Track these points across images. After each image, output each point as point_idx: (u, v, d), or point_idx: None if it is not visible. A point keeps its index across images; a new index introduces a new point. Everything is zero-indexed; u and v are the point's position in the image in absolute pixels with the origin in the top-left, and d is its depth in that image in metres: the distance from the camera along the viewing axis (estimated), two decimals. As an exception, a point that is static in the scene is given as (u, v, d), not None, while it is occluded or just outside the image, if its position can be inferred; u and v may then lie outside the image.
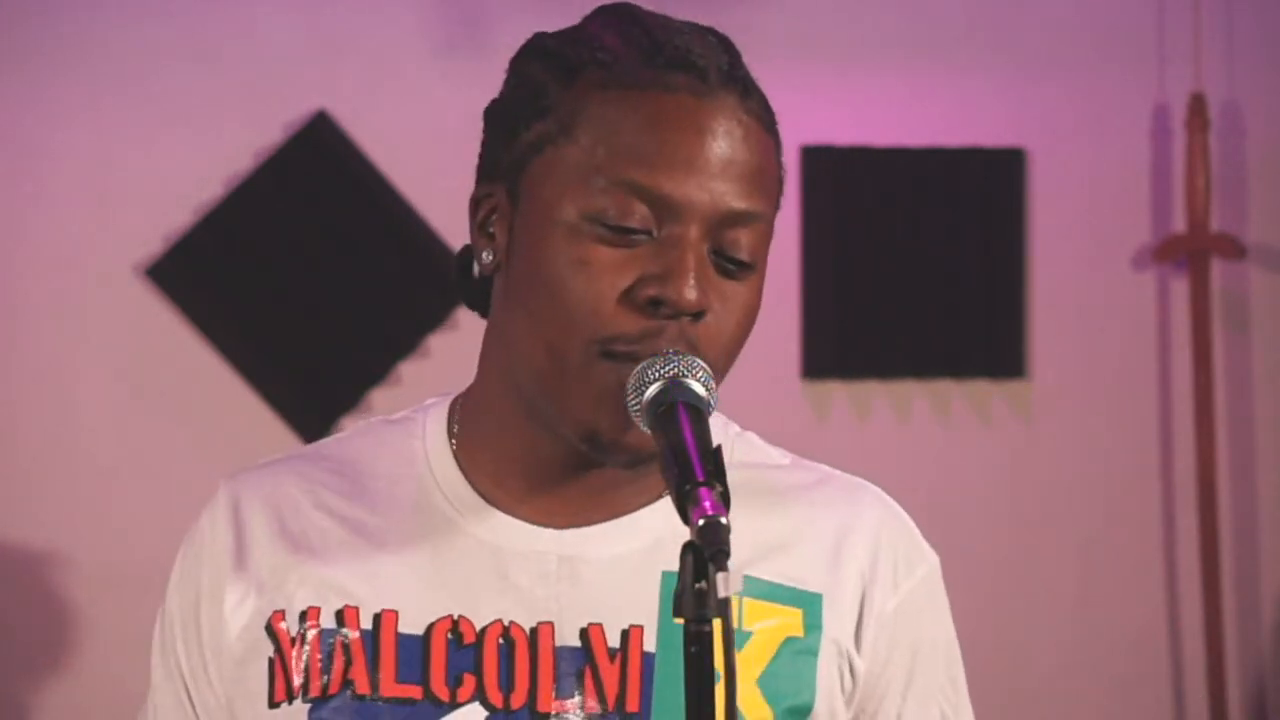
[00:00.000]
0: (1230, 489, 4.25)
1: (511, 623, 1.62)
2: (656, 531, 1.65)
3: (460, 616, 1.62)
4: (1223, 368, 4.25)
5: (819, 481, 1.72)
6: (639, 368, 1.54)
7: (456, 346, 4.14)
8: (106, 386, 4.07)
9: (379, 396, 4.14)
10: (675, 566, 1.50)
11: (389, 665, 1.62)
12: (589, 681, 1.61)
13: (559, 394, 1.59)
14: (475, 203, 1.66)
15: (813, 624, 1.65)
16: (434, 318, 4.14)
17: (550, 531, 1.64)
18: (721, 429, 1.69)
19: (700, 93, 1.58)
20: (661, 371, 1.53)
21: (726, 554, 1.38)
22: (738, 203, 1.58)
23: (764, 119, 1.62)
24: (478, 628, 1.62)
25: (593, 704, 1.61)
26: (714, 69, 1.60)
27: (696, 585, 1.38)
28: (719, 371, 1.58)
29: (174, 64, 4.07)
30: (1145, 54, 4.24)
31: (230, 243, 4.09)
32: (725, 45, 1.65)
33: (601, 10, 1.67)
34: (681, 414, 1.49)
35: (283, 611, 1.65)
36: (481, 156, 1.68)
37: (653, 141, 1.57)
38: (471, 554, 1.64)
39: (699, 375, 1.53)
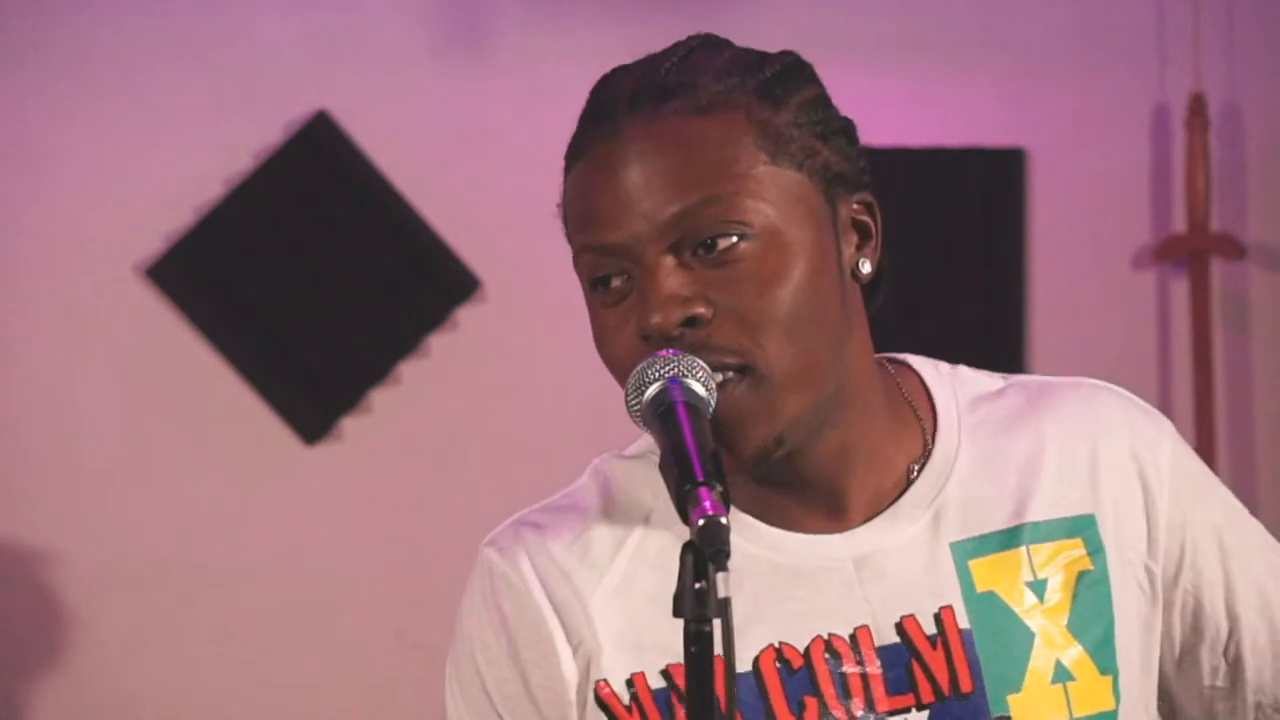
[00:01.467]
0: (1230, 489, 4.24)
1: (831, 635, 1.63)
2: (922, 511, 1.66)
3: (781, 643, 1.63)
4: (1223, 368, 4.25)
5: (1041, 395, 1.73)
6: (639, 368, 1.55)
7: (456, 346, 4.14)
8: (106, 386, 4.07)
9: (379, 396, 4.14)
10: (958, 536, 1.63)
11: None
12: (919, 673, 1.62)
13: None
14: None
15: (1095, 548, 1.67)
16: (434, 318, 4.15)
17: (837, 537, 1.65)
18: (933, 370, 1.74)
19: (610, 134, 1.60)
20: (661, 371, 1.54)
21: (726, 554, 1.38)
22: (672, 208, 1.58)
23: (699, 105, 1.60)
24: (801, 649, 1.63)
25: (928, 694, 1.62)
26: (625, 98, 1.60)
27: (697, 585, 1.38)
28: (792, 337, 1.57)
29: (174, 64, 4.07)
30: (1145, 54, 4.24)
31: (230, 243, 4.09)
32: (671, 53, 1.64)
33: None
34: (681, 414, 1.50)
35: (605, 680, 1.64)
36: None
37: (583, 203, 1.61)
38: (766, 576, 1.64)
39: (699, 375, 1.54)
